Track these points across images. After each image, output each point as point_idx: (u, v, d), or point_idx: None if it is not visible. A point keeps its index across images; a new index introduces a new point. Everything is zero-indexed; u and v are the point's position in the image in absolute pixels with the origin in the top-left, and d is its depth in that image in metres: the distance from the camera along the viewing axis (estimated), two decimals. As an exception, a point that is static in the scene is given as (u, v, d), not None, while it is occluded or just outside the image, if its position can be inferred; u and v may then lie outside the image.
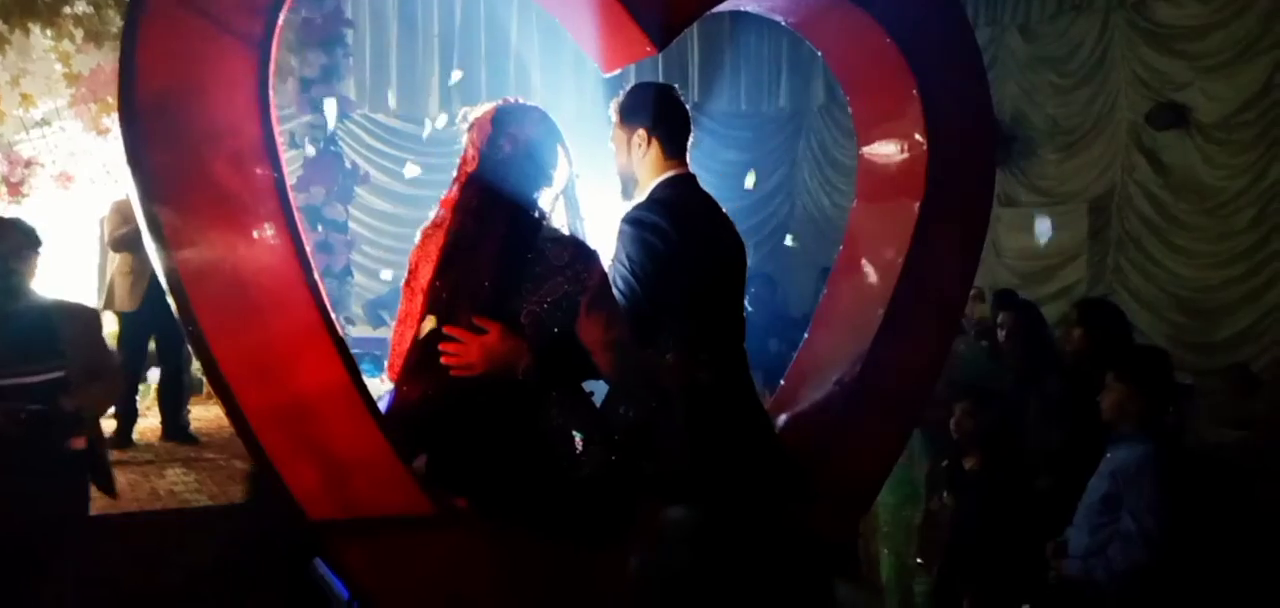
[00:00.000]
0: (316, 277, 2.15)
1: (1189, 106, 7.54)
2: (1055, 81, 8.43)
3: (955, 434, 3.68)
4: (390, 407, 2.36)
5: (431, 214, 2.38)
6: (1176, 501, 2.97)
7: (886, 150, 2.94)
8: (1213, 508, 3.16)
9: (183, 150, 2.04)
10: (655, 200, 2.50)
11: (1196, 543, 2.91)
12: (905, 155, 2.87)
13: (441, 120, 7.83)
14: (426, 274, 2.30)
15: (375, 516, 2.12)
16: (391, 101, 8.76)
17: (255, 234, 2.10)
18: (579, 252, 2.29)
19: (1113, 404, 3.13)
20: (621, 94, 2.61)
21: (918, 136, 2.79)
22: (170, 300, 2.09)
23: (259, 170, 2.08)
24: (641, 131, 2.52)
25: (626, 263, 2.40)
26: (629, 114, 2.55)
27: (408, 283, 2.37)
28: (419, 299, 2.31)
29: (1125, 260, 7.99)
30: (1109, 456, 3.12)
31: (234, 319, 2.06)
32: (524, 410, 2.23)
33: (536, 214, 2.29)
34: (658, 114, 2.54)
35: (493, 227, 2.24)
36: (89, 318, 3.49)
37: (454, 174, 2.35)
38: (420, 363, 2.29)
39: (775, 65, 10.24)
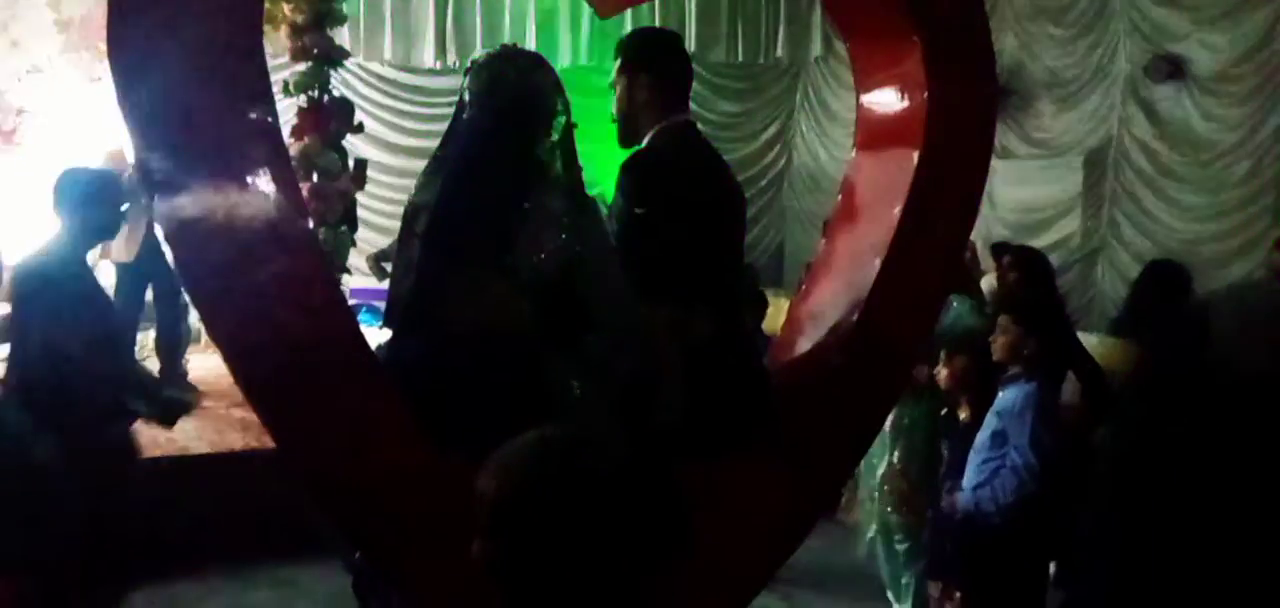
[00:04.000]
0: (310, 224, 2.16)
1: (1187, 58, 7.52)
2: (1054, 32, 8.39)
3: (948, 386, 3.72)
4: (387, 356, 2.38)
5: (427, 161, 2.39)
6: (1056, 435, 3.24)
7: (886, 99, 2.94)
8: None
9: (173, 93, 2.02)
10: (655, 148, 2.50)
11: (1075, 474, 3.10)
12: (905, 104, 2.87)
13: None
14: (424, 221, 2.31)
15: (376, 468, 2.14)
16: (386, 51, 8.67)
17: (248, 180, 2.09)
18: (577, 201, 2.30)
19: (1004, 345, 3.35)
20: (624, 39, 2.61)
21: (918, 85, 2.79)
22: (165, 248, 2.09)
23: (252, 114, 2.07)
24: (643, 77, 2.52)
25: (626, 208, 2.40)
26: (631, 60, 2.55)
27: (404, 229, 2.37)
28: (415, 246, 2.31)
29: (1120, 213, 8.01)
30: (1000, 394, 3.33)
31: (228, 268, 2.06)
32: (522, 361, 2.25)
33: (535, 162, 2.29)
34: (660, 61, 2.56)
35: (490, 174, 2.24)
36: None
37: (454, 115, 2.35)
38: (418, 312, 2.30)
39: (773, 16, 10.16)
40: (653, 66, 2.52)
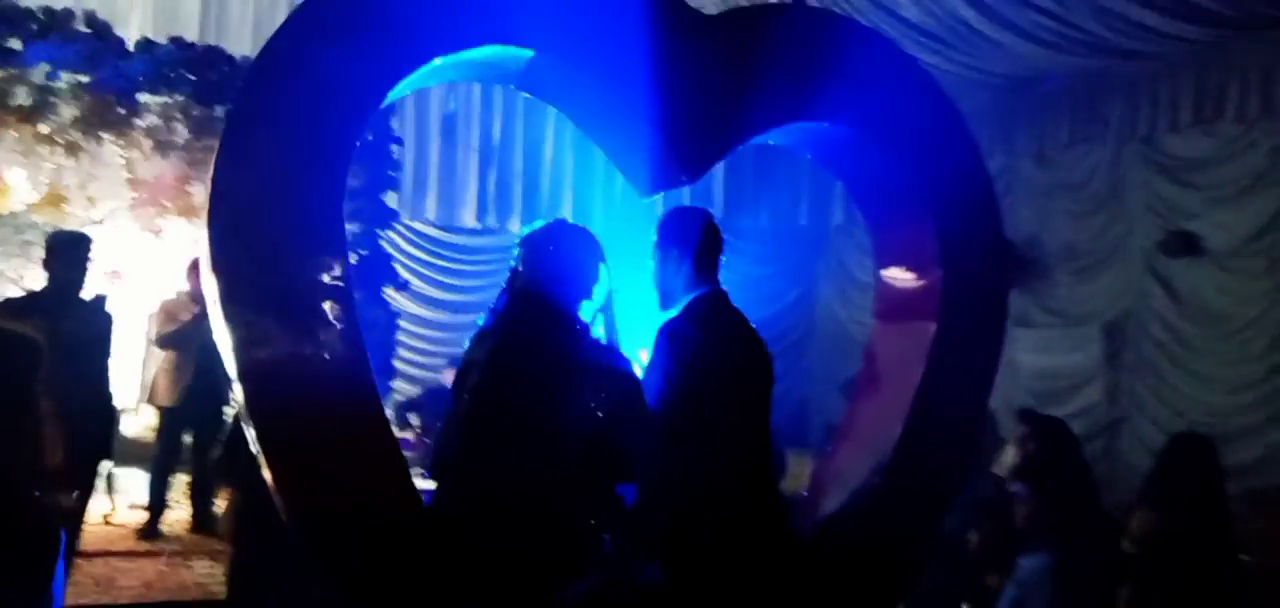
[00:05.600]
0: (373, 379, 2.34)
1: (1200, 236, 7.71)
2: (1069, 208, 8.63)
3: (976, 552, 3.78)
4: (432, 504, 2.52)
5: (480, 320, 2.58)
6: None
7: (903, 277, 3.13)
8: None
9: (263, 257, 2.23)
10: (689, 313, 2.70)
11: None
12: (921, 282, 3.06)
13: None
14: (475, 377, 2.49)
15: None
16: (430, 211, 9.08)
17: (321, 337, 2.28)
18: (616, 361, 2.49)
19: (1025, 515, 3.40)
20: (663, 218, 2.84)
21: (933, 266, 2.98)
22: (238, 393, 2.27)
23: (329, 276, 2.28)
24: (675, 252, 2.73)
25: (661, 369, 2.58)
26: (667, 234, 2.77)
27: (457, 383, 2.55)
28: (467, 400, 2.48)
29: (1141, 384, 8.07)
30: (1020, 563, 3.35)
31: (295, 416, 2.22)
32: (561, 512, 2.39)
33: (579, 326, 2.49)
34: (693, 237, 2.76)
35: (539, 336, 2.43)
36: None
37: (505, 284, 2.56)
38: (465, 462, 2.45)
39: (796, 186, 10.56)
40: (686, 241, 2.74)
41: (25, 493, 2.00)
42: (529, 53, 2.52)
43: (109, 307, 4.91)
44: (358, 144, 2.40)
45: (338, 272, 2.25)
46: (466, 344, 2.57)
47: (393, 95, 2.50)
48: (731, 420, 2.65)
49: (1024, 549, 3.41)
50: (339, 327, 2.21)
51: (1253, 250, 7.43)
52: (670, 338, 2.65)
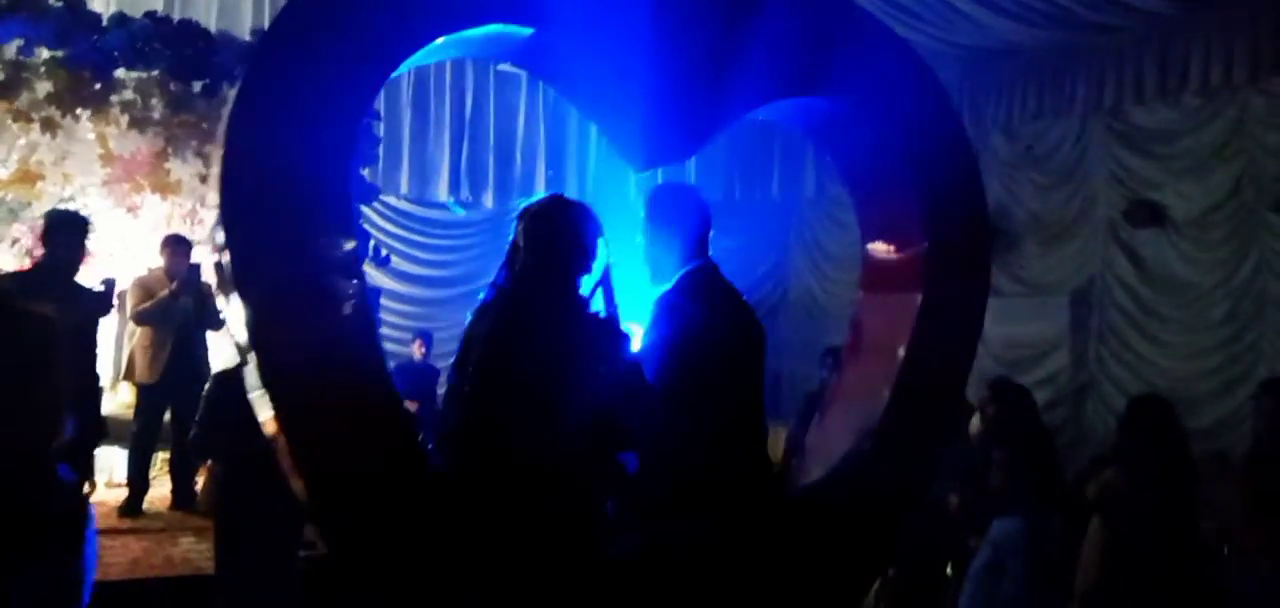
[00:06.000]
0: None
1: (1164, 205, 7.91)
2: (1036, 180, 8.80)
3: (956, 514, 3.91)
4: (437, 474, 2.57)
5: (481, 294, 2.63)
6: (1049, 570, 3.35)
7: (890, 250, 3.21)
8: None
9: (277, 223, 2.25)
10: (684, 286, 2.78)
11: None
12: (907, 253, 3.14)
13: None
14: (478, 351, 2.53)
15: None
16: (403, 185, 9.04)
17: (335, 303, 2.31)
18: (616, 334, 2.55)
19: (1001, 480, 3.52)
20: (651, 195, 2.91)
21: (919, 237, 3.07)
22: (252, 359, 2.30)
23: (341, 243, 2.31)
24: (668, 226, 2.81)
25: (659, 340, 2.66)
26: (658, 211, 2.85)
27: (459, 359, 2.59)
28: (471, 374, 2.53)
29: (1106, 351, 8.28)
30: (994, 525, 3.45)
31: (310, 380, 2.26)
32: (565, 482, 2.45)
33: (579, 299, 2.54)
34: (684, 213, 2.85)
35: (541, 310, 2.48)
36: None
37: (505, 259, 2.61)
38: (470, 437, 2.51)
39: (769, 158, 10.64)
40: (677, 220, 2.83)
41: (49, 469, 2.03)
42: (528, 30, 2.56)
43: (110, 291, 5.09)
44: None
45: (348, 238, 2.29)
46: (468, 318, 2.61)
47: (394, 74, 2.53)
48: (727, 390, 2.73)
49: (998, 512, 3.55)
50: (351, 293, 2.26)
51: (1214, 220, 7.65)
52: (668, 310, 2.72)
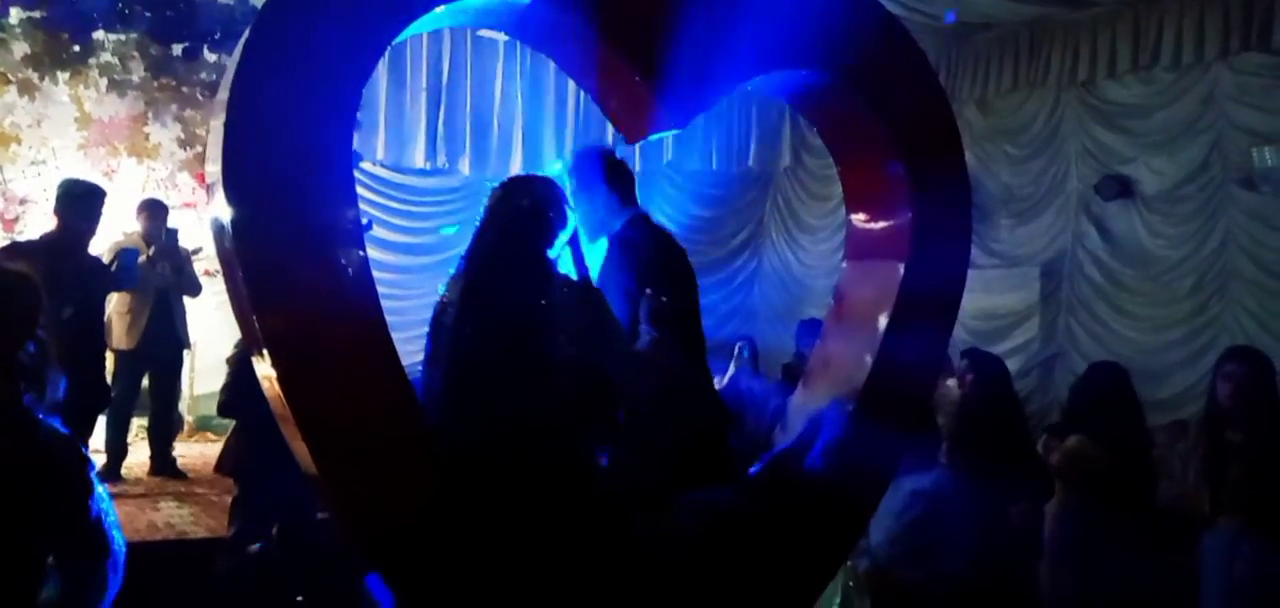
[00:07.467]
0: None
1: (1135, 179, 8.07)
2: (1010, 152, 8.93)
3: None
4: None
5: (453, 265, 2.69)
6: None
7: (874, 219, 3.27)
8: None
9: (279, 186, 2.26)
10: (635, 223, 3.07)
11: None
12: (891, 223, 3.21)
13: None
14: (450, 315, 2.59)
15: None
16: (379, 151, 8.99)
17: (336, 264, 2.33)
18: (587, 292, 2.65)
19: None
20: (575, 159, 3.16)
21: (903, 207, 3.13)
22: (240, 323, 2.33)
23: (344, 206, 2.33)
24: (593, 185, 3.08)
25: (621, 276, 2.91)
26: (583, 176, 3.08)
27: (433, 325, 2.65)
28: (446, 339, 2.59)
29: (1075, 322, 8.45)
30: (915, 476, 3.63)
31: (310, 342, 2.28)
32: (553, 442, 2.51)
33: (548, 262, 2.62)
34: (607, 169, 3.12)
35: (513, 275, 2.55)
36: None
37: (477, 228, 2.67)
38: (453, 400, 2.56)
39: (745, 128, 10.68)
40: (602, 177, 3.10)
41: (42, 425, 2.07)
42: (525, 1, 2.58)
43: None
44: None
45: (351, 202, 2.32)
46: (442, 288, 2.66)
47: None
48: (690, 319, 3.03)
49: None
50: (353, 254, 2.28)
51: (1182, 194, 7.82)
52: (623, 246, 2.98)
